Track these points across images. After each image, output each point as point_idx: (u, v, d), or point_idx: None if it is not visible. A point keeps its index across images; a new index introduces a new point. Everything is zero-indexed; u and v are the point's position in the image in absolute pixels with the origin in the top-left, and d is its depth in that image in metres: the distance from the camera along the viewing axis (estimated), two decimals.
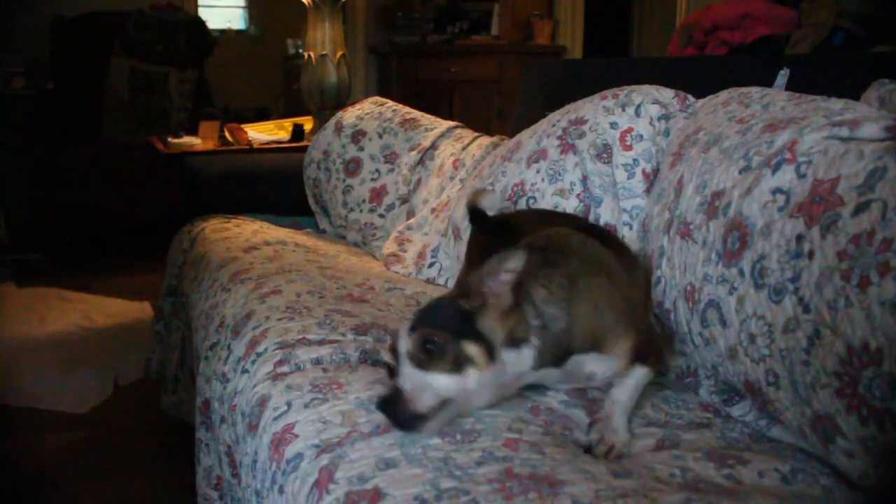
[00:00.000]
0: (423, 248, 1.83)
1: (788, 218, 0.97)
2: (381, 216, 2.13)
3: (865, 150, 0.92)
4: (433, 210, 1.97)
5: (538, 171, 1.53)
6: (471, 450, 0.90)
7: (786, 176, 1.00)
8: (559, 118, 1.60)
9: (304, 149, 2.45)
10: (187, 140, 2.93)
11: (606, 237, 1.29)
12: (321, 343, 1.25)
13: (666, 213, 1.26)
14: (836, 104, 1.07)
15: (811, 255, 0.91)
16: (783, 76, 1.47)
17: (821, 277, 0.89)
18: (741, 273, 1.02)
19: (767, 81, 1.44)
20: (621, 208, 1.44)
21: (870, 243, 0.84)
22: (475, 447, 0.91)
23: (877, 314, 0.81)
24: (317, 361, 1.21)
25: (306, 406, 1.05)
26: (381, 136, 2.22)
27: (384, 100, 2.41)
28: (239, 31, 6.63)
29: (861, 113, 1.01)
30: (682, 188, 1.22)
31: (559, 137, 1.54)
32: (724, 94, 1.36)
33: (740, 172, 1.08)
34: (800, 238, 0.93)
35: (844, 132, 0.96)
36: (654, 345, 1.12)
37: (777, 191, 1.00)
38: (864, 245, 0.84)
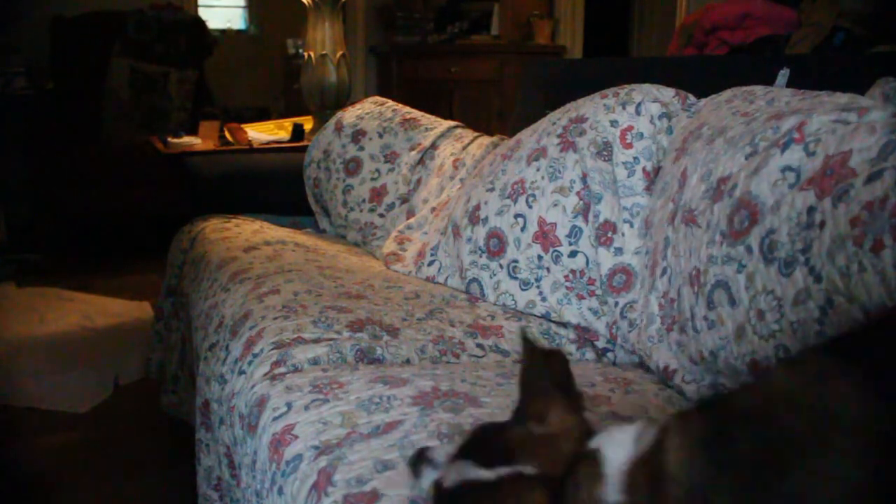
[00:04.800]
0: (423, 247, 1.82)
1: (798, 192, 0.96)
2: (381, 216, 2.13)
3: (877, 125, 0.91)
4: (433, 209, 1.96)
5: (538, 169, 1.53)
6: None
7: (795, 155, 0.99)
8: (559, 116, 1.60)
9: (304, 149, 2.45)
10: (187, 140, 2.93)
11: None
12: (317, 342, 1.25)
13: (670, 205, 1.26)
14: (842, 98, 1.07)
15: (822, 224, 0.90)
16: (783, 76, 1.47)
17: (832, 245, 0.88)
18: (749, 250, 1.01)
19: (768, 81, 1.43)
20: (621, 206, 1.44)
21: (883, 208, 0.83)
22: None
23: (892, 277, 0.80)
24: (314, 361, 1.21)
25: (306, 407, 1.05)
26: (381, 136, 2.22)
27: (384, 100, 2.41)
28: (239, 31, 6.63)
29: (868, 102, 1.00)
30: (686, 179, 1.22)
31: (559, 135, 1.54)
32: (727, 93, 1.37)
33: (746, 158, 1.08)
34: (811, 210, 0.93)
35: (852, 117, 0.96)
36: None
37: (787, 168, 0.99)
38: (878, 210, 0.83)
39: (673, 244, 1.21)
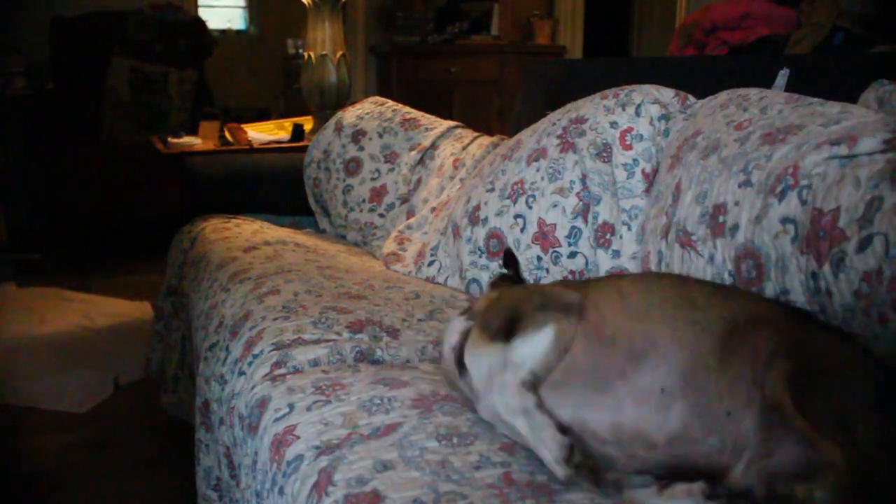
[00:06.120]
0: (423, 247, 1.82)
1: (800, 254, 0.98)
2: (381, 216, 2.13)
3: (861, 176, 0.92)
4: (433, 209, 1.96)
5: (538, 170, 1.53)
6: (468, 453, 0.90)
7: (791, 203, 1.01)
8: (559, 117, 1.60)
9: (304, 149, 2.45)
10: (187, 140, 2.93)
11: None
12: (317, 342, 1.25)
13: (663, 218, 1.26)
14: (834, 108, 1.07)
15: (829, 293, 0.92)
16: (783, 76, 1.47)
17: (845, 314, 0.90)
18: None
19: (767, 81, 1.44)
20: (620, 207, 1.44)
21: (880, 281, 0.85)
22: (472, 450, 0.91)
23: None
24: (314, 363, 1.21)
25: (308, 408, 1.05)
26: (381, 136, 2.22)
27: (384, 100, 2.41)
28: (239, 31, 6.63)
29: (859, 120, 1.01)
30: (680, 194, 1.22)
31: (559, 136, 1.54)
32: (722, 96, 1.36)
33: (740, 186, 1.09)
34: (814, 276, 0.95)
35: (843, 150, 0.97)
36: None
37: (785, 220, 1.01)
38: (875, 283, 0.86)
39: (667, 262, 1.21)
